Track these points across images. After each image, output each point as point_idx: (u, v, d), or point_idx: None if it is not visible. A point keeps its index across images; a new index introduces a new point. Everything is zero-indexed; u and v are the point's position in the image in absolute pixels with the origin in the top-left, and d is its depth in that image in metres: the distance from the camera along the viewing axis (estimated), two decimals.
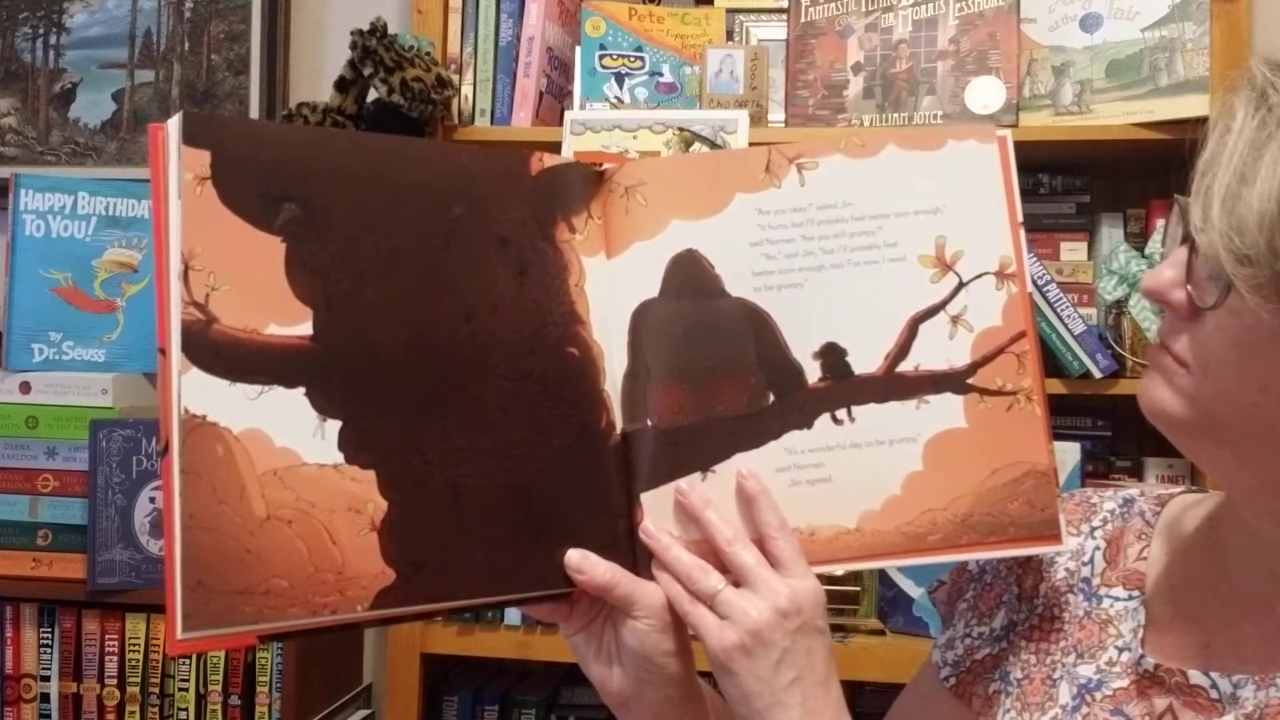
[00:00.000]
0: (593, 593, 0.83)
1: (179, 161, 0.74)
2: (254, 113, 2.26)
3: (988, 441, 0.86)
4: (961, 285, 0.87)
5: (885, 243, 0.87)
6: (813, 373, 0.87)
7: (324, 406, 0.77)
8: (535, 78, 1.99)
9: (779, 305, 0.87)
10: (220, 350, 0.74)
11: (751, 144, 1.80)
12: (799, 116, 1.98)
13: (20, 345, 1.96)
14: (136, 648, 1.89)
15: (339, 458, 0.77)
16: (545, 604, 0.86)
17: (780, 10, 2.04)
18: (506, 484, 0.82)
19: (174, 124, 0.75)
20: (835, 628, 1.80)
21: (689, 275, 0.87)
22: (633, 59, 2.01)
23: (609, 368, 0.86)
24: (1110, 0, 1.89)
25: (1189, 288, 0.76)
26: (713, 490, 0.85)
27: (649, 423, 0.85)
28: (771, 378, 0.86)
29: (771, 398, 0.86)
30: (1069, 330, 1.82)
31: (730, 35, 2.08)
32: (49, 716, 1.90)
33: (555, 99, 2.05)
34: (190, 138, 0.74)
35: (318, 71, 2.29)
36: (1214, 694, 0.80)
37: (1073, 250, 1.98)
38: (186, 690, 1.88)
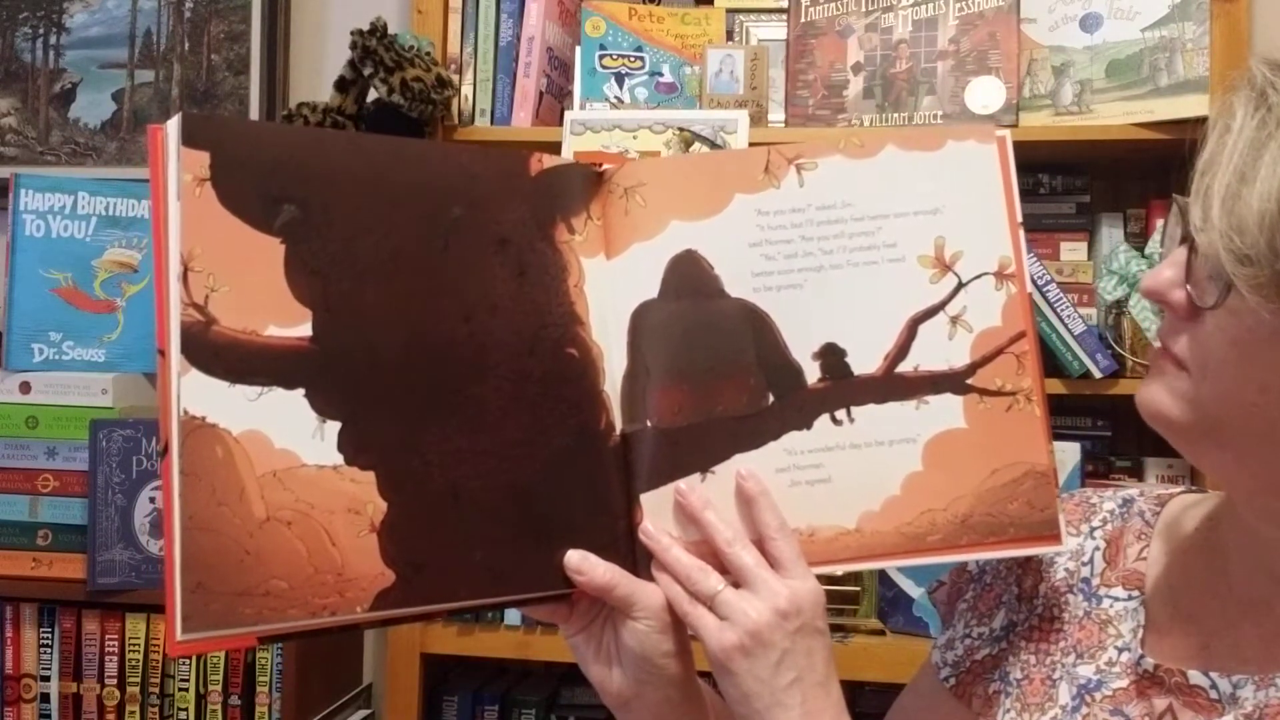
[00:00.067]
0: (592, 593, 0.83)
1: (178, 163, 0.74)
2: (254, 113, 2.26)
3: (987, 442, 0.86)
4: (961, 285, 0.87)
5: (884, 243, 0.87)
6: (812, 373, 0.87)
7: (323, 408, 0.77)
8: (535, 78, 1.99)
9: (778, 306, 0.87)
10: (220, 352, 0.74)
11: (751, 144, 1.80)
12: (799, 116, 1.98)
13: (20, 345, 1.96)
14: (136, 648, 1.89)
15: (338, 459, 0.77)
16: (545, 605, 0.86)
17: (780, 10, 2.04)
18: (506, 485, 0.82)
19: (173, 125, 0.75)
20: (835, 628, 1.80)
21: (688, 276, 0.87)
22: (633, 59, 2.01)
23: (608, 368, 0.86)
24: (1110, 0, 1.89)
25: (1188, 288, 0.76)
26: (712, 491, 0.85)
27: (648, 423, 0.85)
28: (771, 378, 0.86)
29: (771, 398, 0.86)
30: (1069, 330, 1.82)
31: (730, 35, 2.07)
32: (49, 716, 1.90)
33: (555, 99, 2.04)
34: (189, 139, 0.74)
35: (318, 71, 2.29)
36: (1214, 694, 0.80)
37: (1073, 250, 1.98)
38: (186, 690, 1.88)
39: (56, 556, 1.89)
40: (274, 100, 2.26)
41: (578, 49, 2.03)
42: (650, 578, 0.84)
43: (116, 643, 1.89)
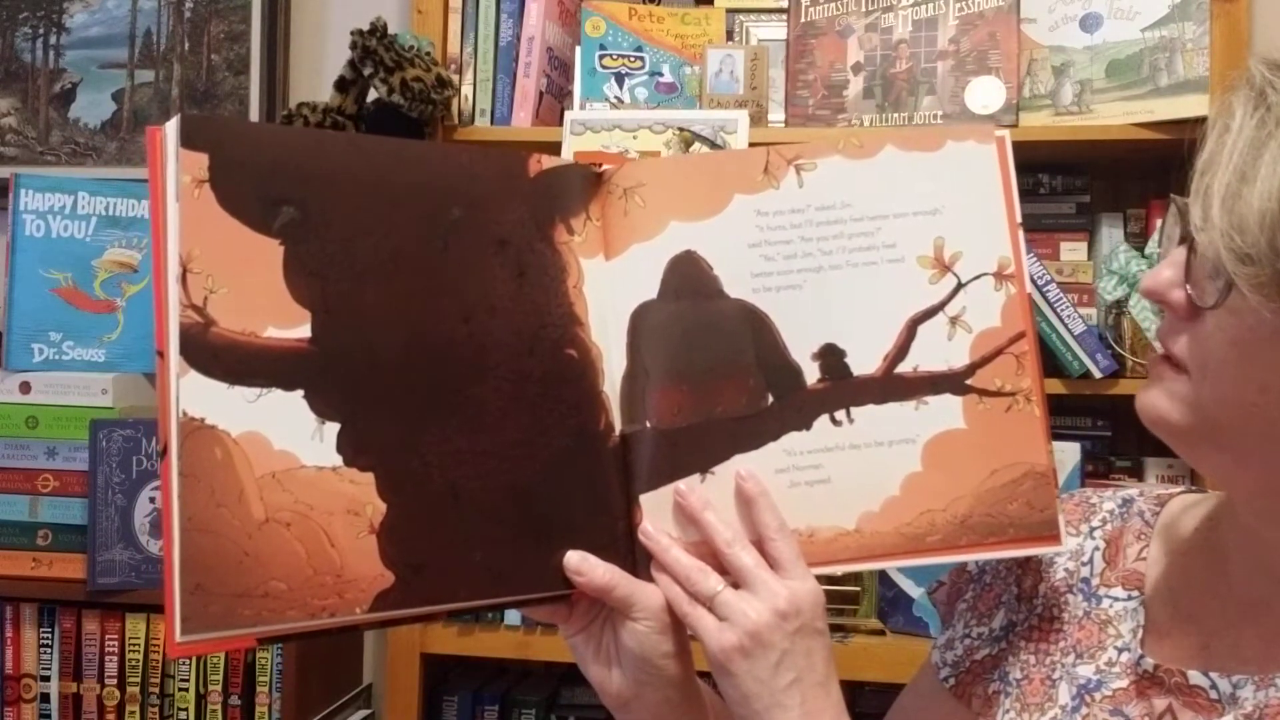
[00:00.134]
0: (592, 594, 0.83)
1: (177, 164, 0.74)
2: (254, 113, 2.25)
3: (987, 442, 0.86)
4: (960, 286, 0.87)
5: (884, 244, 0.87)
6: (811, 374, 0.87)
7: (322, 409, 0.77)
8: (535, 78, 1.99)
9: (777, 306, 0.87)
10: (218, 353, 0.74)
11: (751, 144, 1.80)
12: (799, 116, 1.98)
13: (20, 345, 1.96)
14: (136, 648, 1.89)
15: (337, 460, 0.77)
16: (544, 605, 0.86)
17: (780, 10, 2.04)
18: (505, 486, 0.82)
19: (172, 127, 0.74)
20: (835, 628, 1.80)
21: (687, 276, 0.87)
22: (633, 59, 2.01)
23: (608, 369, 0.86)
24: (1110, 0, 1.89)
25: (1188, 288, 0.76)
26: (712, 492, 0.85)
27: (648, 424, 0.85)
28: (770, 379, 0.86)
29: (770, 399, 0.86)
30: (1069, 330, 1.82)
31: (730, 35, 2.07)
32: (49, 716, 1.90)
33: (555, 99, 2.04)
34: (188, 140, 0.74)
35: (318, 71, 2.29)
36: (1213, 694, 0.80)
37: (1073, 250, 1.98)
38: (186, 690, 1.88)
39: (56, 556, 1.89)
40: (274, 100, 2.26)
41: (578, 49, 2.03)
42: (650, 578, 0.84)
43: (116, 643, 1.89)
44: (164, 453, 0.73)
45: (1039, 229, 1.97)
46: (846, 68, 1.97)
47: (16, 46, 2.36)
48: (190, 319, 0.73)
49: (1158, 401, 0.78)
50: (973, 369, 0.86)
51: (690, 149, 1.82)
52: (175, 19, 2.31)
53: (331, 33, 2.29)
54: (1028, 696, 0.88)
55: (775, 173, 0.88)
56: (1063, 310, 1.82)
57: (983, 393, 0.86)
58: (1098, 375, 1.82)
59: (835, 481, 0.86)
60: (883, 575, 1.88)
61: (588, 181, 0.88)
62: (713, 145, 1.83)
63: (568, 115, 1.89)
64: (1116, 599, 0.88)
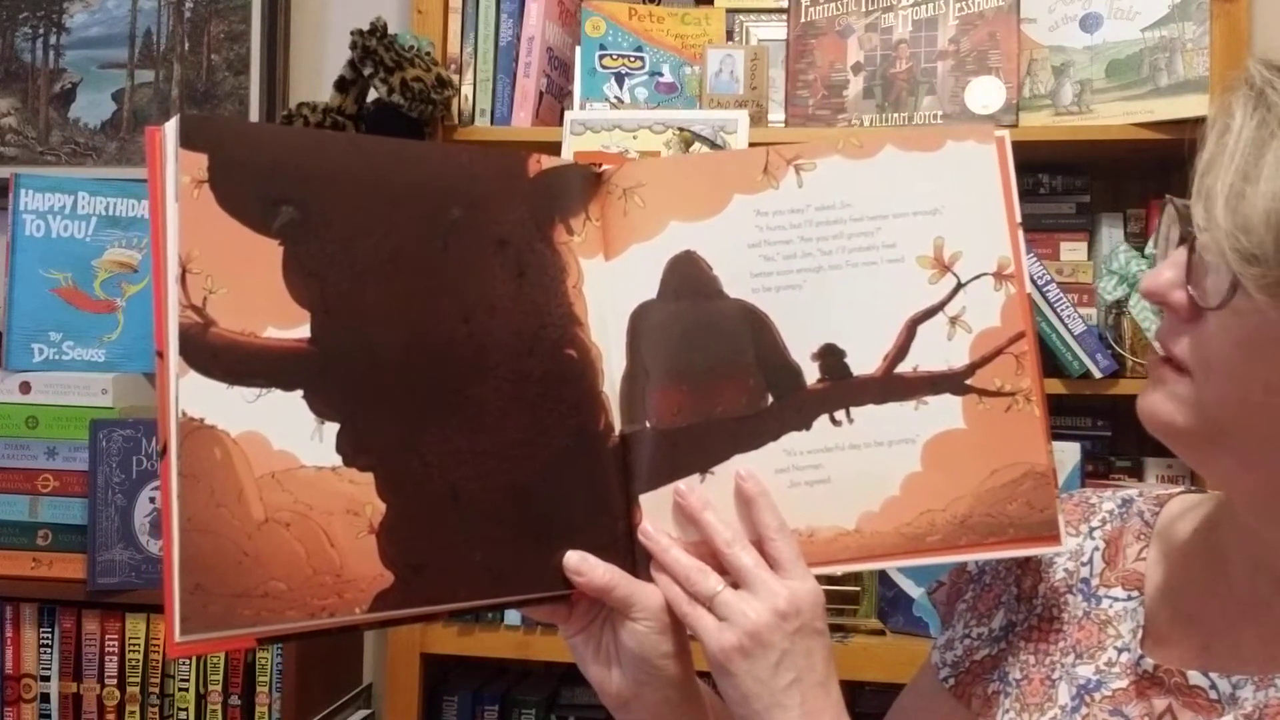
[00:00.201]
0: (591, 594, 0.83)
1: (176, 164, 0.74)
2: (254, 113, 2.25)
3: (986, 442, 0.86)
4: (960, 286, 0.87)
5: (884, 244, 0.87)
6: (811, 374, 0.86)
7: (322, 409, 0.77)
8: (535, 78, 1.99)
9: (777, 306, 0.86)
10: (218, 353, 0.74)
11: (751, 144, 1.80)
12: (799, 116, 1.98)
13: (20, 345, 1.96)
14: (136, 648, 1.89)
15: (337, 460, 0.77)
16: (544, 605, 0.86)
17: (780, 10, 2.04)
18: (505, 486, 0.82)
19: (171, 127, 0.74)
20: (835, 628, 1.80)
21: (687, 276, 0.87)
22: (633, 59, 2.01)
23: (607, 369, 0.86)
24: (1110, 0, 1.89)
25: (1190, 289, 0.76)
26: (711, 492, 0.85)
27: (648, 424, 0.85)
28: (770, 379, 0.86)
29: (770, 399, 0.86)
30: (1069, 330, 1.82)
31: (730, 35, 2.07)
32: (49, 716, 1.90)
33: (555, 99, 2.04)
34: (188, 141, 0.74)
35: (318, 71, 2.29)
36: (1213, 694, 0.80)
37: (1073, 250, 1.98)
38: (186, 690, 1.88)
39: (56, 556, 1.89)
40: (274, 100, 2.26)
41: (578, 49, 2.03)
42: (649, 578, 0.84)
43: (116, 643, 1.89)
44: (163, 453, 0.73)
45: (1039, 229, 1.97)
46: (846, 68, 1.97)
47: (16, 46, 2.36)
48: (190, 319, 0.73)
49: (1161, 404, 0.78)
50: (972, 369, 0.86)
51: (690, 149, 1.82)
52: (175, 19, 2.31)
53: (331, 33, 2.29)
54: (1027, 696, 0.88)
55: (775, 173, 0.88)
56: (1063, 310, 1.82)
57: (982, 393, 0.86)
58: (1098, 375, 1.82)
59: (835, 481, 0.86)
60: (883, 575, 1.88)
61: (587, 181, 0.88)
62: (713, 145, 1.83)
63: (568, 115, 1.89)
64: (1116, 599, 0.88)
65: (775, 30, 2.05)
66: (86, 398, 1.89)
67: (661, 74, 2.01)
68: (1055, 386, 1.81)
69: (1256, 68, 0.75)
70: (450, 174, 0.83)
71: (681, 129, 1.85)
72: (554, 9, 2.03)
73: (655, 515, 0.84)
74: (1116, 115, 1.86)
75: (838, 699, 0.83)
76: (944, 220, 0.87)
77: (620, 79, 2.00)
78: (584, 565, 0.82)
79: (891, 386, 0.86)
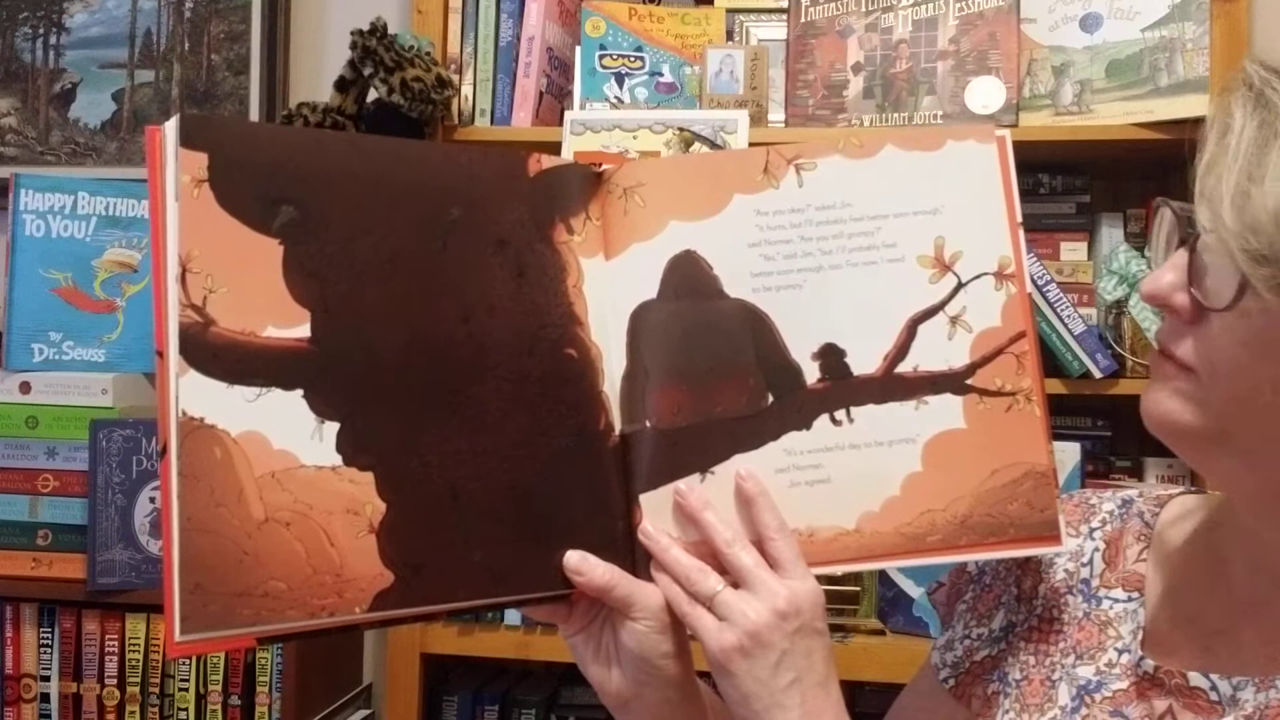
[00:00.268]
0: (591, 594, 0.83)
1: (176, 164, 0.74)
2: (254, 113, 2.25)
3: (987, 442, 0.86)
4: (960, 286, 0.87)
5: (884, 243, 0.87)
6: (811, 373, 0.86)
7: (322, 408, 0.77)
8: (535, 78, 1.98)
9: (777, 306, 0.86)
10: (218, 353, 0.74)
11: (751, 144, 1.80)
12: (799, 116, 1.98)
13: (20, 345, 1.96)
14: (136, 648, 1.89)
15: (337, 460, 0.77)
16: (544, 605, 0.86)
17: (780, 10, 2.04)
18: (505, 485, 0.82)
19: (171, 126, 0.74)
20: (835, 628, 1.80)
21: (687, 276, 0.87)
22: (633, 59, 2.01)
23: (607, 369, 0.86)
24: (1110, 0, 1.89)
25: (1193, 291, 0.76)
26: (711, 491, 0.85)
27: (648, 424, 0.85)
28: (770, 379, 0.86)
29: (770, 399, 0.86)
30: (1069, 330, 1.82)
31: (730, 35, 2.07)
32: (49, 716, 1.89)
33: (555, 99, 2.04)
34: (188, 140, 0.74)
35: (318, 71, 2.29)
36: (1214, 696, 0.79)
37: (1073, 250, 1.98)
38: (186, 690, 1.88)
39: (56, 556, 1.89)
40: (274, 100, 2.26)
41: (578, 49, 2.03)
42: (649, 578, 0.84)
43: (116, 643, 1.89)
44: (163, 452, 0.73)
45: (1039, 229, 1.97)
46: (846, 68, 1.97)
47: (16, 46, 2.36)
48: (190, 318, 0.73)
49: (1166, 403, 0.78)
50: (973, 369, 0.86)
51: (690, 149, 1.82)
52: (175, 19, 2.31)
53: (331, 33, 2.29)
54: (1027, 697, 0.88)
55: (775, 172, 0.88)
56: (1063, 310, 1.82)
57: (983, 392, 0.86)
58: (1098, 375, 1.82)
59: (835, 481, 0.86)
60: (883, 575, 1.88)
61: (587, 181, 0.88)
62: (713, 145, 1.83)
63: (568, 115, 1.89)
64: (1117, 600, 0.88)
65: (775, 30, 2.05)
66: (86, 398, 1.89)
67: (661, 74, 2.01)
68: (1055, 386, 1.81)
69: (1254, 69, 0.75)
70: (450, 174, 0.83)
71: (681, 129, 1.85)
72: (554, 9, 2.03)
73: (655, 515, 0.84)
74: (1116, 115, 1.86)
75: (838, 699, 0.83)
76: (944, 220, 0.87)
77: (620, 79, 2.00)
78: (584, 565, 0.82)
79: (892, 386, 0.86)
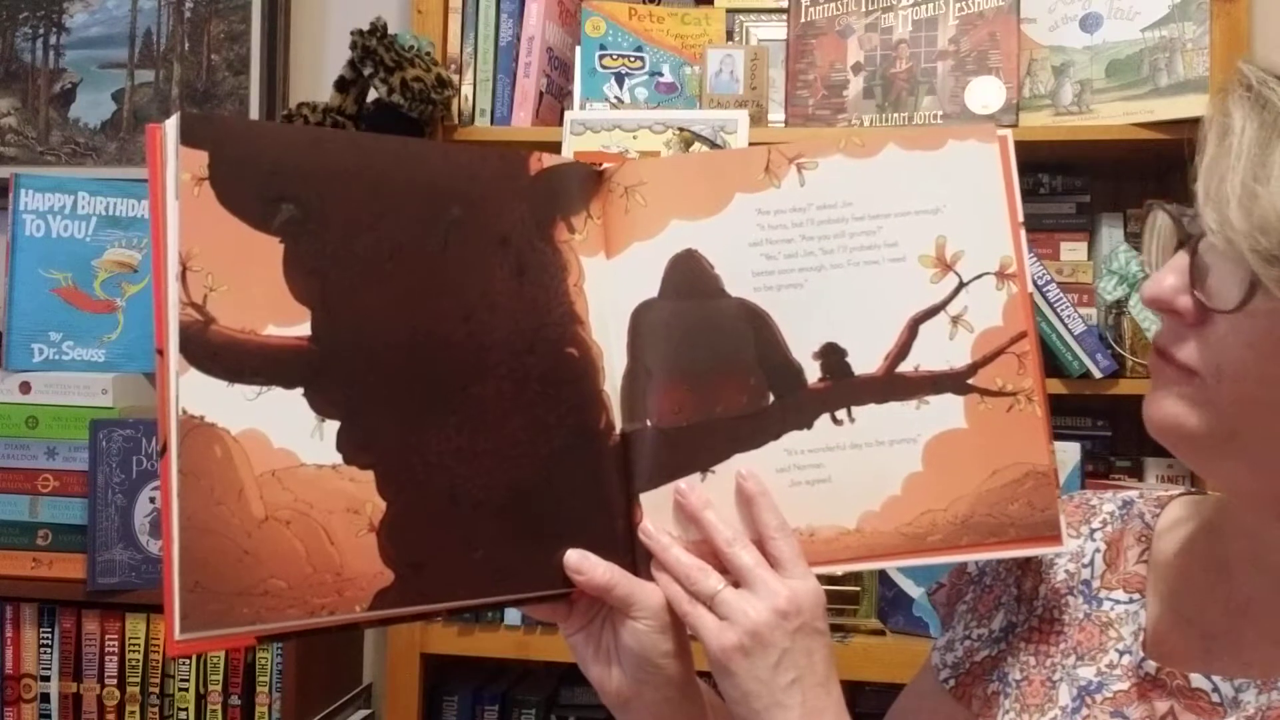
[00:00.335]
0: (592, 593, 0.83)
1: (177, 162, 0.74)
2: (254, 113, 2.26)
3: (988, 442, 0.86)
4: (962, 285, 0.87)
5: (885, 243, 0.87)
6: (812, 373, 0.86)
7: (322, 407, 0.77)
8: (535, 78, 1.98)
9: (779, 305, 0.86)
10: (218, 351, 0.74)
11: (751, 144, 1.80)
12: (799, 116, 1.98)
13: (20, 345, 1.96)
14: (136, 648, 1.89)
15: (337, 458, 0.77)
16: (544, 604, 0.86)
17: (780, 10, 2.04)
18: (505, 484, 0.82)
19: (172, 124, 0.74)
20: (835, 628, 1.80)
21: (688, 275, 0.87)
22: (633, 59, 2.01)
23: (608, 368, 0.86)
24: (1110, 0, 1.89)
25: (1197, 293, 0.75)
26: (712, 491, 0.85)
27: (648, 423, 0.85)
28: (771, 378, 0.86)
29: (771, 398, 0.86)
30: (1069, 330, 1.82)
31: (730, 35, 2.07)
32: (49, 716, 1.89)
33: (555, 99, 2.04)
34: (188, 138, 0.74)
35: (318, 71, 2.29)
36: (1215, 697, 0.79)
37: (1073, 250, 1.98)
38: (186, 690, 1.88)
39: (56, 556, 1.89)
40: (274, 100, 2.26)
41: (578, 49, 2.03)
42: (650, 577, 0.84)
43: (116, 643, 1.89)
44: (163, 451, 0.73)
45: (1039, 229, 1.97)
46: (846, 68, 1.97)
47: (16, 46, 2.36)
48: (190, 317, 0.73)
49: (1170, 407, 0.77)
50: (974, 368, 0.86)
51: (690, 149, 1.82)
52: (175, 19, 2.31)
53: (331, 33, 2.29)
54: (1028, 697, 0.88)
55: (776, 171, 0.87)
56: (1063, 310, 1.82)
57: (984, 392, 0.86)
58: (1098, 375, 1.82)
59: (836, 481, 0.86)
60: (883, 575, 1.88)
61: (588, 180, 0.88)
62: (713, 145, 1.83)
63: (568, 115, 1.89)
64: (1118, 601, 0.88)
65: (775, 30, 2.05)
66: (86, 398, 1.89)
67: (661, 74, 2.01)
68: (1055, 386, 1.81)
69: (1250, 70, 0.75)
70: (451, 172, 0.83)
71: (681, 129, 1.85)
72: (554, 9, 2.02)
73: (656, 514, 0.84)
74: (1116, 115, 1.86)
75: (838, 698, 0.83)
76: (946, 219, 0.87)
77: (620, 79, 2.00)
78: (584, 564, 0.82)
79: (893, 386, 0.86)
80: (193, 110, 2.26)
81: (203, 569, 0.71)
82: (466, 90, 2.01)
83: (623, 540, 0.84)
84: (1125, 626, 0.87)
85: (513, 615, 1.91)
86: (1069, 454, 1.84)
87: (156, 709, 1.88)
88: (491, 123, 2.00)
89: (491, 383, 0.82)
